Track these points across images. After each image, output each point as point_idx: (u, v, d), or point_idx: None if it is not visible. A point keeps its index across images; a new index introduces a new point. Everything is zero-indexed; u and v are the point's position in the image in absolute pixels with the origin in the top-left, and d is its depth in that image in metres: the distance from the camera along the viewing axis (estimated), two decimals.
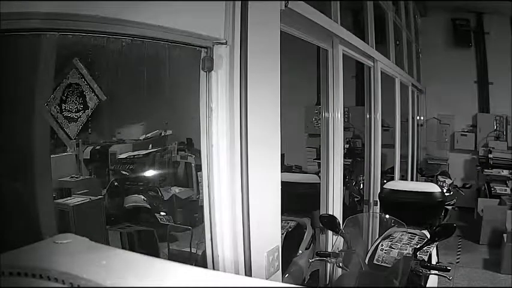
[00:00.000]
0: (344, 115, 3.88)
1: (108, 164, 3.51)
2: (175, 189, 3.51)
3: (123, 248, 3.00)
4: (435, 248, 2.97)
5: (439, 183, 5.53)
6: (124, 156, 3.60)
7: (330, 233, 3.04)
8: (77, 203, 2.64)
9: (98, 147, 3.46)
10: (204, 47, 1.75)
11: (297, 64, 5.99)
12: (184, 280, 0.97)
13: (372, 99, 4.22)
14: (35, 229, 1.84)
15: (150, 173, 3.68)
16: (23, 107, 1.84)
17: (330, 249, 2.50)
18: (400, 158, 5.60)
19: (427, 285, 2.60)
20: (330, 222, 2.54)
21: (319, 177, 3.26)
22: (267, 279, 1.91)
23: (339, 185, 3.14)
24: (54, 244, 1.06)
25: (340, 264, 2.39)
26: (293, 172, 5.54)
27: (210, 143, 1.78)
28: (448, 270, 2.35)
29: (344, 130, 3.45)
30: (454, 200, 5.77)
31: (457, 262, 5.30)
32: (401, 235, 2.94)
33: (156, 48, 1.68)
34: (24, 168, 1.86)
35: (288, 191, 2.52)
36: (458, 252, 5.63)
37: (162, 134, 3.78)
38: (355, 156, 6.51)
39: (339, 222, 2.54)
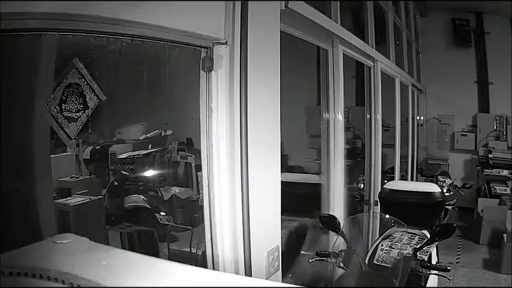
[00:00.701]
0: (344, 115, 3.89)
1: (108, 164, 3.51)
2: (175, 189, 3.51)
3: (123, 248, 3.00)
4: (435, 248, 2.97)
5: (439, 183, 5.53)
6: (124, 156, 3.61)
7: (330, 233, 3.04)
8: (77, 203, 2.64)
9: (98, 147, 3.47)
10: (204, 47, 1.75)
11: (297, 64, 5.98)
12: (184, 280, 0.97)
13: (372, 99, 4.22)
14: (35, 229, 1.84)
15: (150, 173, 3.68)
16: (23, 107, 1.84)
17: (330, 249, 2.49)
18: (400, 158, 5.60)
19: (427, 285, 2.59)
20: (329, 223, 2.54)
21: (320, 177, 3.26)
22: (267, 279, 1.91)
23: (341, 186, 3.14)
24: (54, 244, 1.06)
25: (340, 264, 2.39)
26: (293, 172, 5.54)
27: (210, 143, 1.78)
28: (448, 270, 2.35)
29: (344, 130, 3.45)
30: (454, 200, 5.77)
31: (457, 262, 5.30)
32: (401, 235, 2.94)
33: (156, 48, 1.68)
34: (24, 168, 1.86)
35: (290, 191, 2.52)
36: (458, 252, 5.63)
37: (162, 134, 3.78)
38: (355, 156, 6.50)
39: (338, 222, 2.54)
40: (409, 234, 2.97)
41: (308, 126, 7.49)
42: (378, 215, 3.54)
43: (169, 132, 3.71)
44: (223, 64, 1.75)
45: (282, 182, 2.12)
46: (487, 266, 5.15)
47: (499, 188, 6.81)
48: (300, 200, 3.71)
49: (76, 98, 1.86)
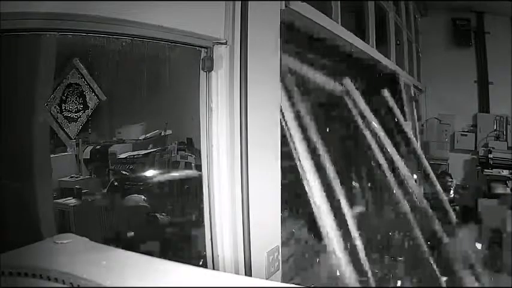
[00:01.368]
0: None
1: (108, 164, 3.51)
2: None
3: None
4: None
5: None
6: (124, 156, 3.60)
7: None
8: (77, 203, 2.64)
9: (98, 147, 3.46)
10: (204, 47, 1.75)
11: None
12: (184, 280, 0.97)
13: None
14: (35, 229, 1.84)
15: (150, 173, 3.68)
16: (23, 107, 1.84)
17: None
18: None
19: None
20: None
21: None
22: (267, 279, 1.91)
23: None
24: (54, 244, 1.06)
25: None
26: None
27: (210, 143, 1.78)
28: None
29: None
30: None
31: None
32: None
33: (156, 48, 1.68)
34: (24, 168, 1.86)
35: None
36: None
37: (162, 134, 3.78)
38: None
39: None
40: None
41: None
42: None
43: (169, 132, 3.71)
44: (223, 64, 1.75)
45: None
46: (486, 266, 5.13)
47: (499, 188, 6.81)
48: None
49: (76, 98, 1.86)
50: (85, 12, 1.38)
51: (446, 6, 7.54)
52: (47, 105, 1.82)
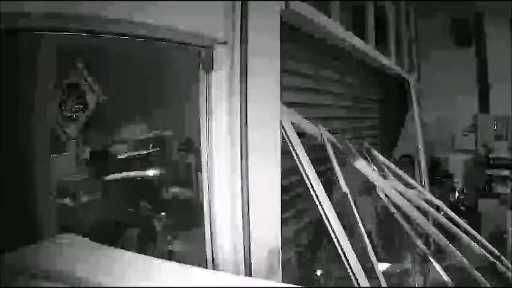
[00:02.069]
0: None
1: (108, 164, 3.51)
2: (176, 189, 3.50)
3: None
4: None
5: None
6: (124, 156, 3.60)
7: None
8: (77, 203, 2.64)
9: (98, 147, 3.46)
10: (204, 47, 1.75)
11: None
12: (185, 280, 0.97)
13: None
14: (35, 229, 1.84)
15: (150, 173, 3.68)
16: (23, 107, 1.84)
17: None
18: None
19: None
20: None
21: None
22: (267, 279, 1.91)
23: None
24: (54, 244, 1.06)
25: None
26: None
27: (210, 142, 1.78)
28: None
29: None
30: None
31: None
32: None
33: (156, 48, 1.68)
34: (24, 168, 1.86)
35: None
36: None
37: (162, 134, 3.78)
38: None
39: None
40: None
41: None
42: None
43: (169, 132, 3.71)
44: (223, 64, 1.75)
45: None
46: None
47: (499, 188, 6.81)
48: None
49: (76, 98, 1.86)
50: (85, 12, 1.38)
51: (446, 6, 7.54)
52: (47, 105, 1.82)
